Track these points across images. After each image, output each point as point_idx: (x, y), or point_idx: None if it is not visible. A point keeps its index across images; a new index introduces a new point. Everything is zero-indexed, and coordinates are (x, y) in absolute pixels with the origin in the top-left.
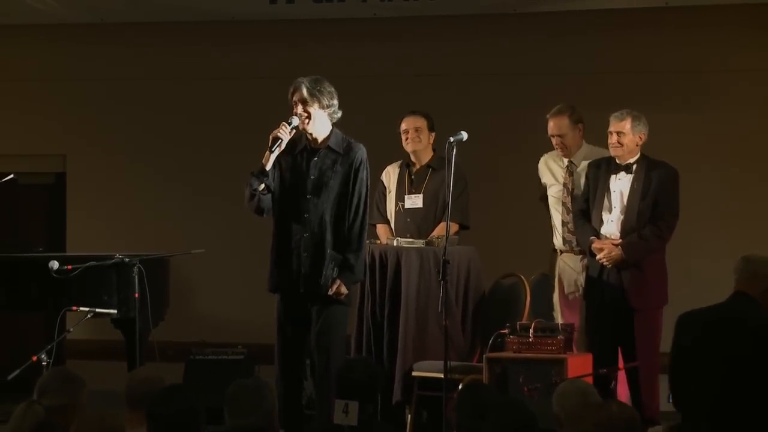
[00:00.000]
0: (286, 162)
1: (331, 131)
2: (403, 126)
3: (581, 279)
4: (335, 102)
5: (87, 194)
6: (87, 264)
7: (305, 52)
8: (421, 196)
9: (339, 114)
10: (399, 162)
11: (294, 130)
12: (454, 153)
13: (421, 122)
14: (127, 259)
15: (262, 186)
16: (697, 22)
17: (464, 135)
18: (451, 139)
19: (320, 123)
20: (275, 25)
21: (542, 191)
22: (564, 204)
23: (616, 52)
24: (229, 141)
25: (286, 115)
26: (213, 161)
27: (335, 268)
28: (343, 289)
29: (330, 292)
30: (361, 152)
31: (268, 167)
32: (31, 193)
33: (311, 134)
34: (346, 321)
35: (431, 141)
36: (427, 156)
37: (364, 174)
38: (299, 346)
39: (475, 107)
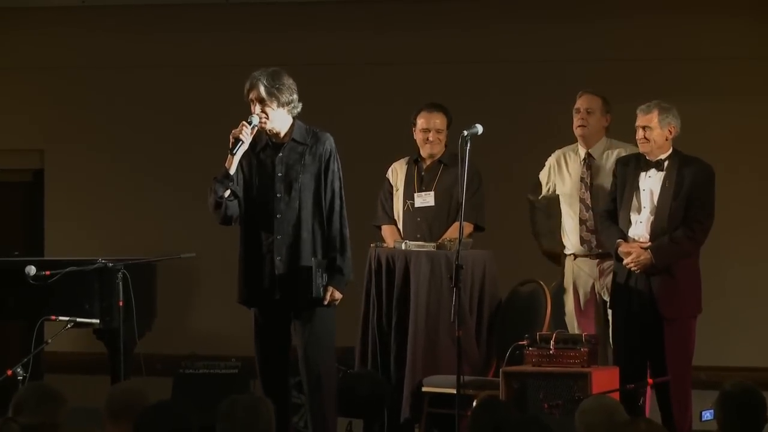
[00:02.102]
0: (248, 162)
1: (293, 123)
2: (423, 123)
3: (598, 285)
4: (295, 96)
5: (67, 193)
6: (67, 269)
7: (304, 39)
8: (432, 193)
9: (299, 108)
10: (406, 158)
11: (255, 129)
12: (468, 148)
13: (441, 121)
14: (110, 264)
15: (228, 192)
16: (736, 6)
17: (479, 128)
18: (465, 132)
19: (280, 120)
20: (274, 8)
21: (538, 191)
22: (582, 200)
23: (644, 37)
24: (225, 137)
25: None
26: (206, 159)
27: (324, 275)
28: (338, 295)
29: (325, 302)
30: (329, 141)
31: (232, 171)
32: (6, 191)
33: (271, 130)
34: (334, 326)
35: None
36: (438, 151)
37: (335, 165)
38: (282, 363)
39: (490, 98)
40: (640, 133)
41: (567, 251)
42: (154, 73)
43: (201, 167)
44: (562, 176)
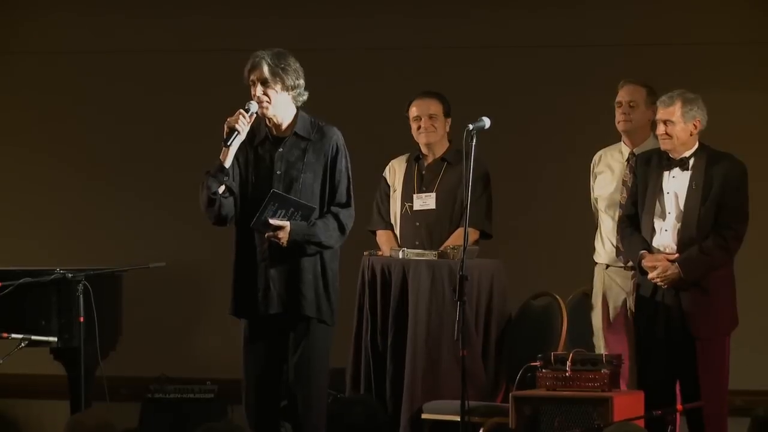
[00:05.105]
0: (245, 157)
1: (297, 115)
2: (414, 111)
3: (630, 300)
4: (301, 82)
5: (14, 191)
6: (20, 281)
7: (288, 22)
8: (433, 194)
9: (305, 96)
10: (405, 156)
11: (254, 116)
12: (474, 144)
13: (435, 107)
14: (70, 275)
15: (223, 188)
16: None
17: (486, 122)
18: (471, 126)
19: (283, 107)
20: None
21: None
22: (621, 205)
23: (670, 20)
24: (194, 126)
25: None
26: (178, 151)
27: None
28: (283, 234)
29: (267, 232)
30: (336, 137)
31: (228, 164)
32: None
33: (272, 120)
34: (329, 345)
35: (447, 129)
36: (441, 148)
37: (342, 164)
38: (272, 386)
39: (499, 88)
40: (660, 128)
41: (599, 260)
42: (110, 60)
43: (174, 163)
44: (603, 177)
